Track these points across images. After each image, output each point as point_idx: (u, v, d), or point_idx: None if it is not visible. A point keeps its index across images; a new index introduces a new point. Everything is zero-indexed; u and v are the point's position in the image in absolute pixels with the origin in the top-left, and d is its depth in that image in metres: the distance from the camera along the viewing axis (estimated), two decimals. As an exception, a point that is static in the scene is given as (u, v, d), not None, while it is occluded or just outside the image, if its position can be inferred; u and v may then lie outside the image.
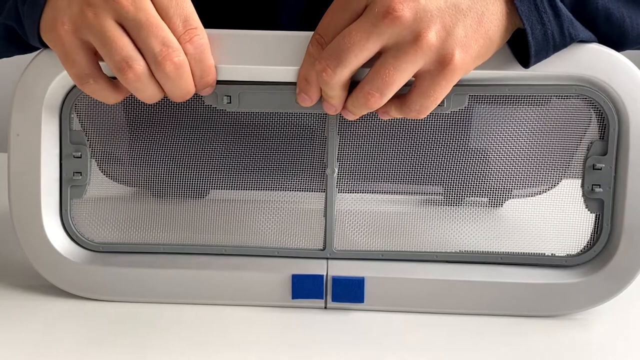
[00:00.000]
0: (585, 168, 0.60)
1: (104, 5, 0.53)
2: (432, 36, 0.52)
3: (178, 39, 0.54)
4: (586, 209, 0.61)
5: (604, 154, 0.60)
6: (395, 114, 0.56)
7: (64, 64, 0.56)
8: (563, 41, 0.56)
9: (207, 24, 0.56)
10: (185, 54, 0.54)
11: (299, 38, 0.57)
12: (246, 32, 0.58)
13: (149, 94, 0.56)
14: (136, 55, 0.54)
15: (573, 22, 0.56)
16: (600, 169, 0.60)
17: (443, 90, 0.54)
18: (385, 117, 0.57)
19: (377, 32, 0.52)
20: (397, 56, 0.52)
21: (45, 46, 0.58)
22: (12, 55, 0.65)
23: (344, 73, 0.53)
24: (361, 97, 0.54)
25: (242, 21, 0.65)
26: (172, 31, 0.54)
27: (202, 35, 0.55)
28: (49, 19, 0.55)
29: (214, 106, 0.60)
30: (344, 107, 0.57)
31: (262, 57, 0.57)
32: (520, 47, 0.57)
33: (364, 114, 0.57)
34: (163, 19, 0.54)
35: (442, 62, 0.53)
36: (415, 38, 0.52)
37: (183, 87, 0.55)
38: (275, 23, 0.73)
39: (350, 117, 0.57)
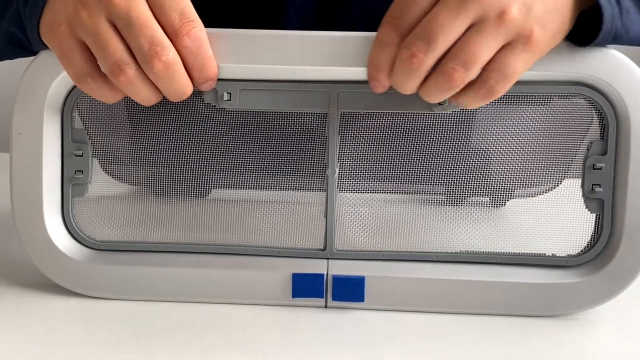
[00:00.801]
0: (585, 168, 0.60)
1: (98, 5, 0.53)
2: (515, 12, 0.52)
3: (174, 32, 0.54)
4: (586, 209, 0.61)
5: (604, 153, 0.60)
6: (469, 97, 0.55)
7: (62, 64, 0.56)
8: (620, 37, 0.56)
9: (211, 25, 0.56)
10: (183, 47, 0.54)
11: (301, 37, 0.57)
12: (248, 31, 0.58)
13: (144, 96, 0.56)
14: (128, 59, 0.54)
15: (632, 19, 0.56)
16: (600, 169, 0.60)
17: (524, 65, 0.54)
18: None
19: (465, 9, 0.51)
20: (481, 32, 0.52)
21: (47, 48, 0.58)
22: (16, 58, 0.65)
23: (434, 57, 0.53)
24: (442, 75, 0.53)
25: (248, 21, 0.65)
26: (168, 25, 0.54)
27: (199, 28, 0.55)
28: (48, 21, 0.56)
29: (213, 104, 0.60)
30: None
31: (264, 55, 0.57)
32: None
33: (440, 99, 0.55)
34: (159, 14, 0.54)
35: (523, 37, 0.53)
36: (499, 14, 0.52)
37: (177, 87, 0.55)
38: (282, 23, 0.73)
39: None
